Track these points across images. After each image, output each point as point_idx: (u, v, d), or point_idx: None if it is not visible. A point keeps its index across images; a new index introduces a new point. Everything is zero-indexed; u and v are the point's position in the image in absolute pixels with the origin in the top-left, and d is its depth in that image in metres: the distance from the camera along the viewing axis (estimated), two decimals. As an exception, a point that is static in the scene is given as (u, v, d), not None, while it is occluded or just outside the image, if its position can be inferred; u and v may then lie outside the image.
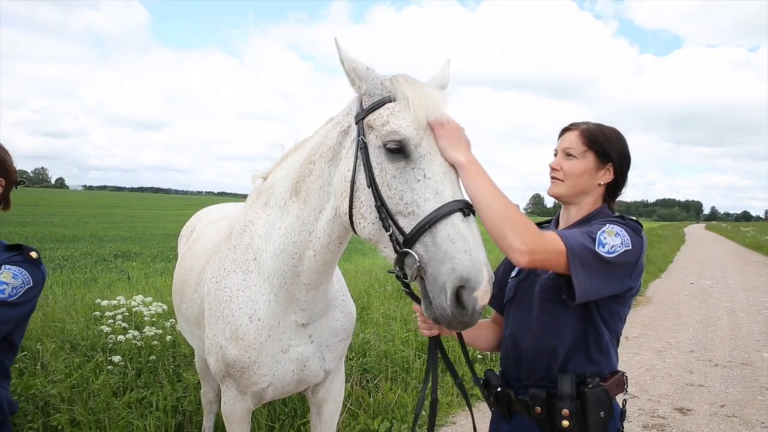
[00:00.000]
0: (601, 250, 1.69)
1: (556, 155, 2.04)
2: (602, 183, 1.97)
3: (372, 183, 1.67)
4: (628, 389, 1.89)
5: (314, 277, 2.10)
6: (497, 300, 2.15)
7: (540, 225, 2.18)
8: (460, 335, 1.95)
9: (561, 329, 1.85)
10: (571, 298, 1.68)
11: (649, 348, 7.28)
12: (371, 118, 1.71)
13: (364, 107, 1.76)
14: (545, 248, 1.60)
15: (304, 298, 2.15)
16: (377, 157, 1.69)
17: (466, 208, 1.56)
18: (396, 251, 1.61)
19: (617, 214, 1.94)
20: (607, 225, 1.78)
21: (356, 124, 1.78)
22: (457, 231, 1.51)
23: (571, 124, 2.04)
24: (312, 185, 2.00)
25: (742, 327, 8.78)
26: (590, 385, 1.76)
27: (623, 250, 1.72)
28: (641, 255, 1.79)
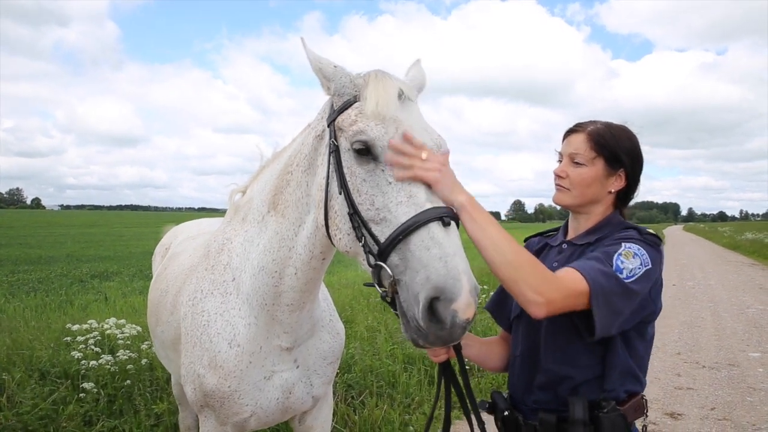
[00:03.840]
0: (619, 276, 1.55)
1: (560, 160, 1.87)
2: (613, 190, 1.82)
3: (344, 189, 1.56)
4: (648, 414, 1.74)
5: (297, 297, 1.97)
6: (503, 316, 2.02)
7: (545, 234, 2.07)
8: (459, 355, 1.79)
9: (574, 351, 1.71)
10: (590, 334, 1.55)
11: (636, 352, 7.24)
12: (341, 119, 1.61)
13: (335, 108, 1.66)
14: (564, 294, 1.47)
15: (288, 320, 2.02)
16: (347, 160, 1.58)
17: (447, 216, 1.43)
18: (369, 264, 1.49)
19: (630, 223, 1.80)
20: (623, 246, 1.62)
21: (328, 126, 1.68)
22: (431, 236, 1.38)
23: (577, 125, 1.87)
24: (289, 197, 1.89)
25: (726, 327, 8.81)
26: (605, 410, 1.62)
27: (643, 271, 1.59)
28: (660, 270, 1.67)
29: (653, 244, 1.68)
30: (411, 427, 4.44)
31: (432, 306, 1.34)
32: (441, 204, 1.47)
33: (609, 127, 1.83)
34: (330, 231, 1.68)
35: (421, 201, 1.45)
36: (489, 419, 1.88)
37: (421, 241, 1.38)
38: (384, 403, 4.69)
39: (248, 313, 2.04)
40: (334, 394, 4.66)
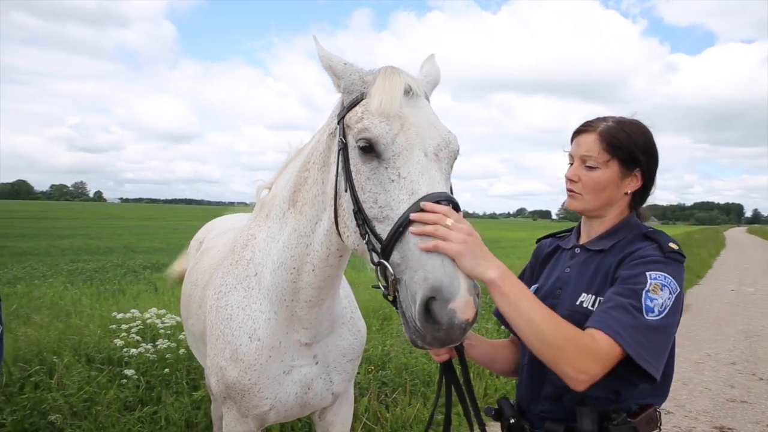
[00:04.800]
0: (652, 317, 1.46)
1: (571, 162, 1.77)
2: (629, 192, 1.72)
3: (350, 187, 1.56)
4: (662, 427, 1.65)
5: (315, 294, 1.98)
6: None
7: (558, 235, 1.99)
8: (461, 356, 1.74)
9: None
10: (649, 380, 1.48)
11: (686, 359, 6.90)
12: (348, 116, 1.60)
13: (345, 105, 1.65)
14: (604, 365, 1.41)
15: (306, 316, 2.04)
16: (354, 158, 1.57)
17: (443, 201, 1.39)
18: (372, 262, 1.48)
19: (647, 228, 1.70)
20: (649, 279, 1.50)
21: (338, 124, 1.68)
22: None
23: (587, 125, 1.75)
24: (307, 194, 1.90)
25: (789, 337, 8.28)
26: (615, 421, 1.54)
27: (674, 299, 1.49)
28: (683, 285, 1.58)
29: (678, 262, 1.57)
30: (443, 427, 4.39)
31: (429, 306, 1.31)
32: (441, 190, 1.43)
33: (621, 124, 1.71)
34: (339, 228, 1.69)
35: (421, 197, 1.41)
36: (496, 426, 1.82)
37: (419, 239, 1.36)
38: (417, 401, 4.65)
39: (268, 308, 2.06)
40: (367, 390, 4.68)
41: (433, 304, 1.30)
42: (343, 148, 1.61)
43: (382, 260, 1.43)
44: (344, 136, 1.61)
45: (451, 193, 1.57)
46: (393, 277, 1.40)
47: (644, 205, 1.81)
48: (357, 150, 1.54)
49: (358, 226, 1.53)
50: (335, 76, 1.67)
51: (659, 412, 1.65)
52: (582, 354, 1.39)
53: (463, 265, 1.34)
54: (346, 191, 1.58)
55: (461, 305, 1.28)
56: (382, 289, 1.47)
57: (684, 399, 5.47)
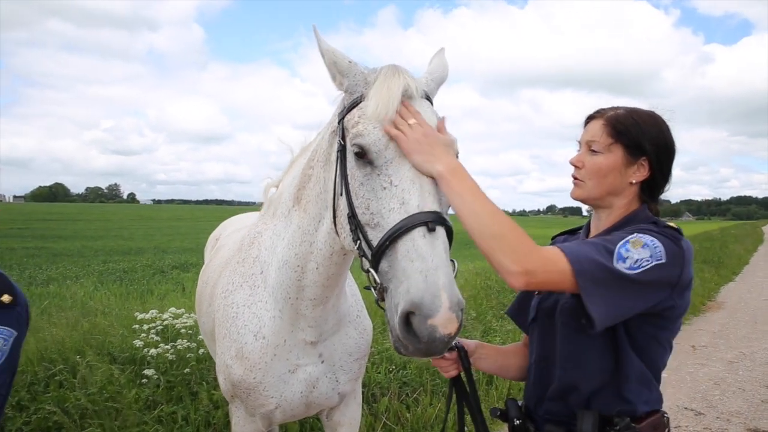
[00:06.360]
0: (620, 266, 1.40)
1: (580, 149, 1.73)
2: (635, 181, 1.65)
3: (345, 190, 1.54)
4: None
5: (320, 292, 1.97)
6: (525, 321, 1.91)
7: (574, 232, 1.94)
8: (470, 376, 1.72)
9: (585, 360, 1.59)
10: (590, 325, 1.42)
11: (719, 359, 6.66)
12: (347, 118, 1.57)
13: (346, 105, 1.61)
14: (544, 267, 1.37)
15: (311, 314, 2.02)
16: (350, 161, 1.55)
17: (432, 222, 1.36)
18: (362, 268, 1.48)
19: (655, 218, 1.63)
20: (634, 234, 1.47)
21: (338, 124, 1.64)
22: (415, 248, 1.34)
23: (597, 111, 1.73)
24: (310, 192, 1.89)
25: (832, 336, 7.91)
26: (618, 426, 1.49)
27: (653, 264, 1.42)
28: (684, 268, 1.48)
29: (672, 238, 1.49)
30: (466, 428, 4.32)
31: (409, 320, 1.31)
32: (432, 209, 1.40)
33: (631, 112, 1.66)
34: (337, 229, 1.68)
35: (413, 209, 1.39)
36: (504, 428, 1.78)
37: (406, 251, 1.35)
38: (438, 401, 4.60)
39: (273, 306, 2.06)
40: (388, 390, 4.65)
41: (412, 319, 1.30)
42: (342, 150, 1.58)
43: (370, 269, 1.44)
44: (343, 137, 1.59)
45: None
46: (380, 285, 1.40)
47: (659, 200, 1.73)
48: (352, 154, 1.52)
49: (351, 230, 1.53)
50: (339, 74, 1.62)
51: (667, 417, 1.59)
52: (522, 247, 1.36)
53: (413, 161, 1.42)
54: (341, 194, 1.57)
55: (442, 321, 1.27)
56: (375, 293, 1.46)
57: (716, 400, 5.27)
